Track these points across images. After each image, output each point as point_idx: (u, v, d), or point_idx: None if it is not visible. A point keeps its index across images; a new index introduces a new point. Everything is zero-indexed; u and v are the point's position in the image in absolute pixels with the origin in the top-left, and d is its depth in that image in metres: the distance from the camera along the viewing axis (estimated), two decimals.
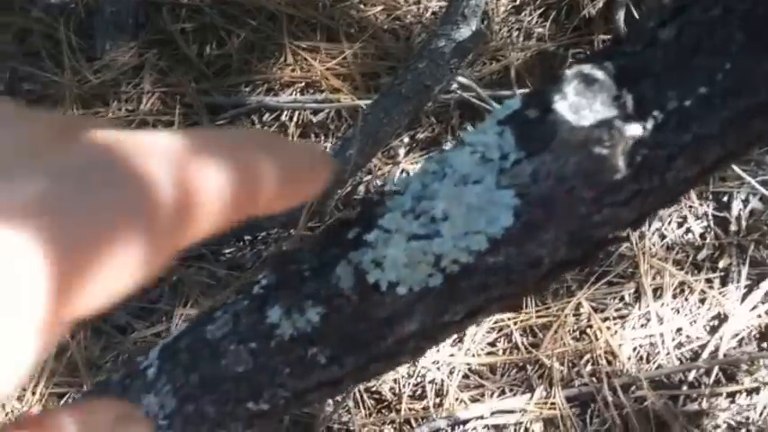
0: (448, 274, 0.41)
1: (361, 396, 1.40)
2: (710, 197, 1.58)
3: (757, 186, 1.54)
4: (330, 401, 1.37)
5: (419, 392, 1.42)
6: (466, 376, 1.43)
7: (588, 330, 1.45)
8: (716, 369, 1.43)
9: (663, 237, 1.54)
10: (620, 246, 1.46)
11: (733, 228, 1.55)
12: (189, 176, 0.20)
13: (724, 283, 1.51)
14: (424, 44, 1.36)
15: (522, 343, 1.45)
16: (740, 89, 0.37)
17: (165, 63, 1.67)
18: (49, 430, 0.21)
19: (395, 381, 1.42)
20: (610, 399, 1.38)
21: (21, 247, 0.17)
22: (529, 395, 1.41)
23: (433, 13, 1.75)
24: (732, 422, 1.40)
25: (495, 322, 1.46)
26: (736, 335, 1.47)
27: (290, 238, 1.49)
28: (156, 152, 0.20)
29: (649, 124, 0.36)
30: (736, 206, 1.57)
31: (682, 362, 1.45)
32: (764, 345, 1.47)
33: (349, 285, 0.43)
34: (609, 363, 1.43)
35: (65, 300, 0.18)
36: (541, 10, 1.75)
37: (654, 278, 1.50)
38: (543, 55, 1.70)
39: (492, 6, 1.71)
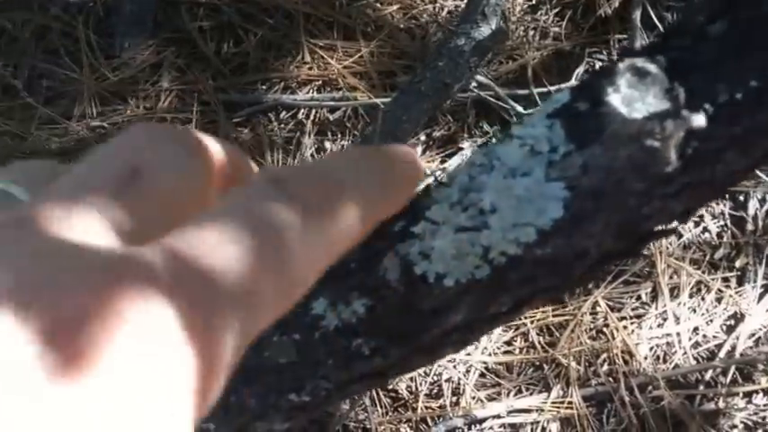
0: (495, 265, 0.41)
1: (378, 394, 1.40)
2: (727, 196, 1.58)
3: None
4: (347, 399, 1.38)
5: (436, 391, 1.42)
6: (482, 375, 1.43)
7: (605, 329, 1.45)
8: (732, 368, 1.43)
9: (680, 236, 1.54)
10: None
11: (750, 227, 1.55)
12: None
13: (740, 282, 1.51)
14: (443, 42, 1.36)
15: (539, 342, 1.45)
16: None
17: (183, 61, 1.68)
18: None
19: (411, 379, 1.42)
20: (626, 398, 1.38)
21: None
22: (545, 394, 1.41)
23: (449, 12, 1.75)
24: (748, 422, 1.40)
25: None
26: (753, 334, 1.47)
27: None
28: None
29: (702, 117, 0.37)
30: (753, 205, 1.57)
31: (698, 361, 1.45)
32: None
33: (395, 277, 0.43)
34: (626, 362, 1.43)
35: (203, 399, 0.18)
36: (557, 9, 1.75)
37: (671, 277, 1.50)
38: (559, 54, 1.70)
39: (508, 6, 1.71)
